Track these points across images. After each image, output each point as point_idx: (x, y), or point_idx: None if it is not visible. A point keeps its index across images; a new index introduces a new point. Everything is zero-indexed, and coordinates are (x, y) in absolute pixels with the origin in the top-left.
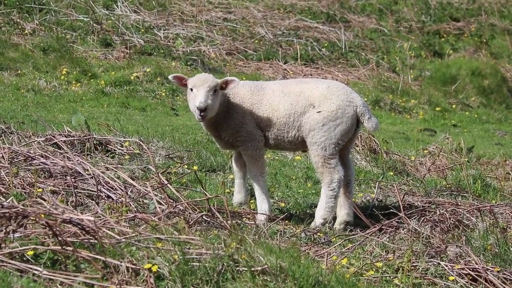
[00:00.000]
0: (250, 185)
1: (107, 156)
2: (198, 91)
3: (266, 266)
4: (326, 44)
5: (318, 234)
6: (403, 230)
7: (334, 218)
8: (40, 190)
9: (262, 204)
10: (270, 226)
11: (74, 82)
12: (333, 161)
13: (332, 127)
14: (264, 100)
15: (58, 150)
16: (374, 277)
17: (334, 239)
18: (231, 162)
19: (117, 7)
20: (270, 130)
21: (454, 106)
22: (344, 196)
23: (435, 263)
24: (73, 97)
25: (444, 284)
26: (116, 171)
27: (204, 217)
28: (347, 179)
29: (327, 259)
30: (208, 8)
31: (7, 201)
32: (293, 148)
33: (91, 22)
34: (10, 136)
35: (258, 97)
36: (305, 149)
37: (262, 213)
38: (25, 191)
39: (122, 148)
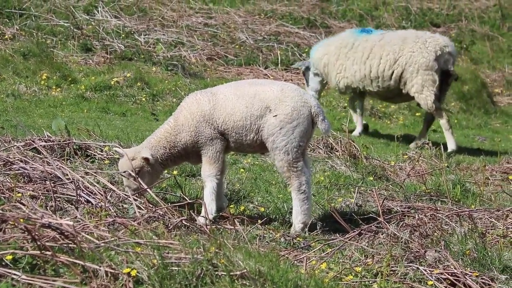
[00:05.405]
0: (228, 190)
1: (87, 161)
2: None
3: (245, 270)
4: (306, 50)
5: (298, 238)
6: (382, 234)
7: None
8: (20, 194)
9: (209, 206)
10: (249, 231)
11: (54, 87)
12: (299, 163)
13: (290, 130)
14: (218, 106)
15: (38, 155)
16: (353, 282)
17: (314, 243)
18: None
19: (98, 12)
20: (229, 134)
21: None
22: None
23: (414, 267)
24: (53, 102)
25: None
26: (96, 176)
27: (183, 221)
28: None
29: (306, 263)
30: (189, 13)
31: None
32: (252, 151)
33: (72, 27)
34: None
35: (209, 105)
36: (263, 151)
37: (203, 217)
38: (4, 195)
39: (102, 153)
